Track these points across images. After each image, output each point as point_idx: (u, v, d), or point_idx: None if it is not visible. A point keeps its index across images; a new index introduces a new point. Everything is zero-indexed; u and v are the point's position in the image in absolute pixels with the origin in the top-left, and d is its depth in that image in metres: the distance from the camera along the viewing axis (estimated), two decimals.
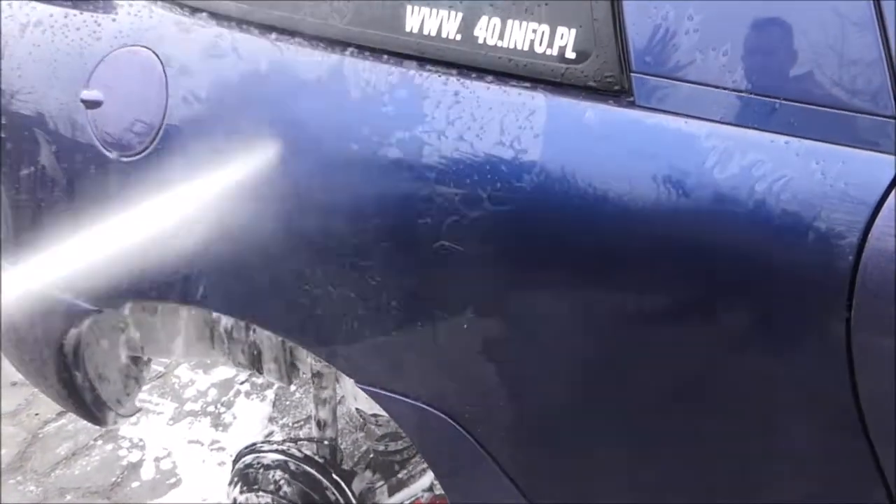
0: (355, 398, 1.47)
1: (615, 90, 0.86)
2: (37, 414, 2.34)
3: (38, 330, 1.30)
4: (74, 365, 1.34)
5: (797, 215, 0.78)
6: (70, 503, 2.03)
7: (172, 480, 2.14)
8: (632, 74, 0.85)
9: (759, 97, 0.80)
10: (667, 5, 0.83)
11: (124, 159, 1.10)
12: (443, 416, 1.03)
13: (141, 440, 2.28)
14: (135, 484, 2.12)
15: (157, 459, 2.21)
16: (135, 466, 2.18)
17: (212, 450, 2.27)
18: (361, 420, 2.03)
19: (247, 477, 1.49)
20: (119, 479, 2.13)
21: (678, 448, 0.93)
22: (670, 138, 0.83)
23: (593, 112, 0.86)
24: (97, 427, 1.61)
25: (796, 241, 0.78)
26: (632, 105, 0.85)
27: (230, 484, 1.54)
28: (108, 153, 1.11)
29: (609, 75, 0.87)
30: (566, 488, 1.02)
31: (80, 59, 1.14)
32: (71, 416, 1.84)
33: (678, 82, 0.83)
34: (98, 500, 2.05)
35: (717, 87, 0.81)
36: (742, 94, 0.81)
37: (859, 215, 0.76)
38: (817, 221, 0.77)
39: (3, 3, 1.23)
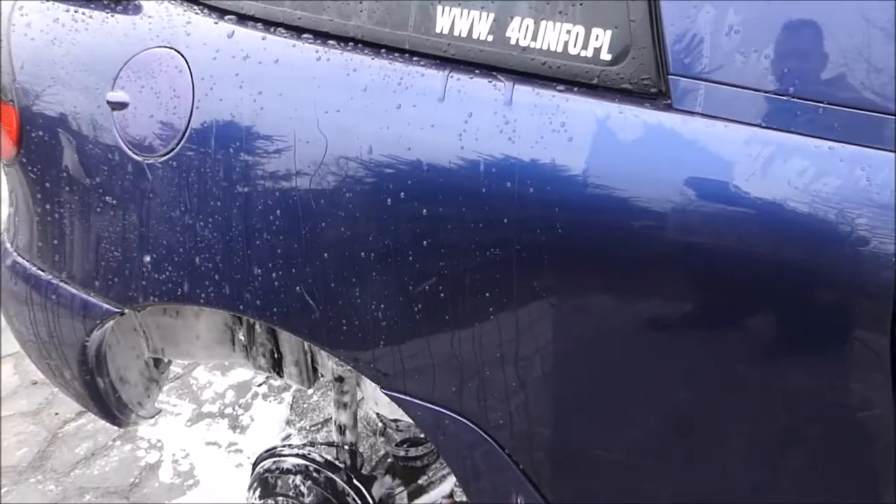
0: (376, 403, 1.46)
1: (652, 93, 0.84)
2: (57, 413, 2.35)
3: (61, 330, 1.30)
4: (96, 366, 1.34)
5: (841, 223, 0.75)
6: (89, 503, 2.03)
7: (190, 482, 2.13)
8: (669, 77, 0.83)
9: (801, 101, 0.78)
10: (706, 5, 0.81)
11: (149, 161, 1.09)
12: (466, 421, 1.02)
13: (159, 441, 2.28)
14: (153, 485, 2.11)
15: (174, 461, 2.21)
16: (153, 467, 2.18)
17: (229, 452, 2.26)
18: (381, 425, 2.01)
19: (266, 482, 1.48)
20: (137, 480, 2.13)
21: (711, 455, 0.91)
22: (709, 143, 0.81)
23: (629, 115, 0.84)
24: (116, 427, 1.61)
25: (840, 250, 0.76)
26: (669, 108, 0.83)
27: (249, 489, 1.53)
28: (132, 154, 1.10)
29: (646, 77, 0.85)
30: (589, 495, 1.01)
31: (107, 60, 1.13)
32: (90, 415, 1.84)
33: (717, 85, 0.81)
34: (116, 500, 2.05)
35: (758, 90, 0.79)
36: (784, 98, 0.78)
37: None
38: (862, 230, 0.75)
39: (28, 4, 1.22)
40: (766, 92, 0.79)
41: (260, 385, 2.57)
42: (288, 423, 2.40)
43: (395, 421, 1.90)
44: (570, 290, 0.90)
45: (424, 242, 0.93)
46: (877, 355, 0.77)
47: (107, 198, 1.13)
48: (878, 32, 0.76)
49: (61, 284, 1.25)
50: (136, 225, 1.11)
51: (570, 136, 0.86)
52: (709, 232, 0.80)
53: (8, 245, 1.37)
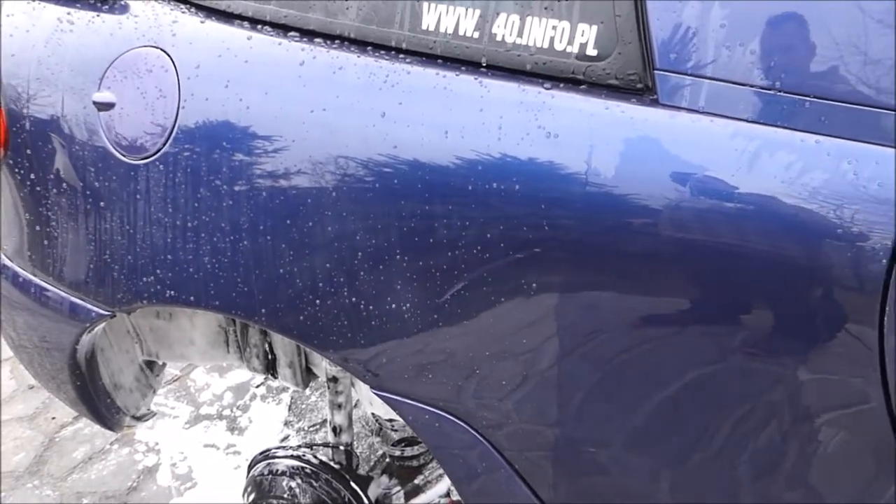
0: (371, 403, 1.46)
1: (638, 88, 0.84)
2: (53, 417, 2.35)
3: (51, 334, 1.30)
4: (88, 370, 1.33)
5: (828, 217, 0.75)
6: None
7: (188, 484, 2.13)
8: (655, 72, 0.83)
9: (787, 95, 0.77)
10: (692, 1, 0.81)
11: (135, 161, 1.08)
12: (458, 421, 1.02)
13: (157, 444, 2.28)
14: (151, 488, 2.11)
15: (172, 464, 2.21)
16: (150, 471, 2.17)
17: (227, 454, 2.26)
18: (377, 425, 2.01)
19: (260, 484, 1.47)
20: (135, 484, 2.12)
21: (701, 453, 0.90)
22: (695, 138, 0.80)
23: (615, 111, 0.84)
24: (111, 431, 1.60)
25: (827, 244, 0.75)
26: (655, 103, 0.83)
27: (244, 492, 1.52)
28: (120, 155, 1.10)
29: (632, 73, 0.84)
30: (583, 493, 1.00)
31: (93, 60, 1.13)
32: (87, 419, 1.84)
33: (704, 80, 0.80)
34: None
35: (744, 84, 0.79)
36: (770, 92, 0.78)
37: (893, 216, 0.73)
38: (849, 223, 0.74)
39: (14, 4, 1.22)
40: (751, 86, 0.78)
41: (258, 386, 2.56)
42: (286, 424, 2.40)
43: (391, 421, 1.89)
44: (558, 287, 0.89)
45: (411, 241, 0.93)
46: (868, 349, 0.76)
47: (94, 199, 1.13)
48: (865, 25, 0.75)
49: (51, 287, 1.25)
50: (125, 226, 1.11)
51: (556, 132, 0.85)
52: (694, 227, 0.80)
53: None
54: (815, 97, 0.76)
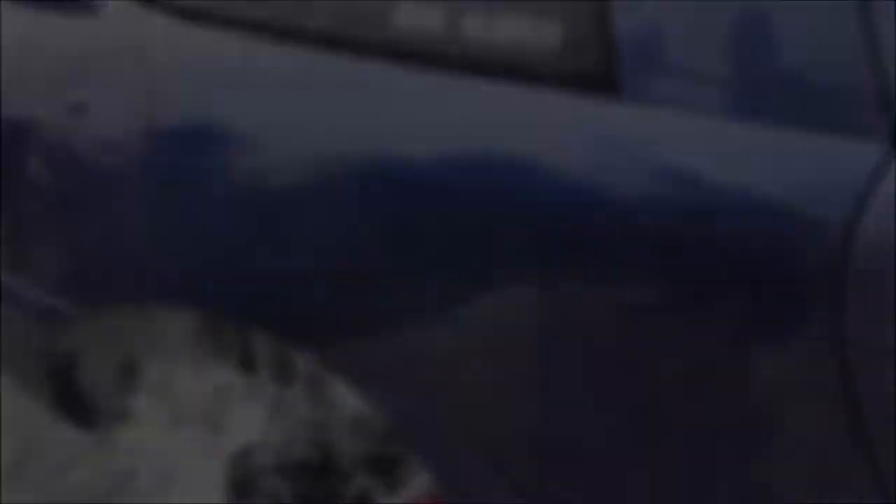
0: (350, 399, 1.47)
1: (604, 85, 0.86)
2: (31, 421, 2.33)
3: (27, 336, 1.30)
4: (66, 372, 1.33)
5: (785, 207, 0.77)
6: None
7: (168, 486, 2.13)
8: (621, 68, 0.84)
9: (752, 89, 0.80)
10: None
11: (109, 160, 1.09)
12: (437, 416, 1.03)
13: (137, 446, 2.27)
14: (131, 490, 2.10)
15: (153, 465, 2.20)
16: (131, 473, 2.16)
17: (208, 454, 2.25)
18: (357, 421, 2.02)
19: (240, 482, 1.48)
20: (115, 487, 2.11)
21: (673, 450, 0.92)
22: (657, 132, 0.83)
23: (581, 107, 0.86)
24: (91, 434, 1.60)
25: (784, 235, 0.77)
26: (621, 99, 0.84)
27: (224, 490, 1.53)
28: (94, 156, 1.10)
29: (597, 69, 0.86)
30: (564, 488, 1.02)
31: (67, 60, 1.13)
32: (66, 423, 1.83)
33: (669, 75, 0.83)
34: None
35: (709, 78, 0.81)
36: (736, 86, 0.80)
37: (847, 207, 0.75)
38: (805, 213, 0.77)
39: None
40: (717, 80, 0.81)
41: (240, 385, 2.56)
42: (268, 421, 2.40)
43: (370, 416, 1.90)
44: (527, 282, 0.91)
45: (380, 236, 0.95)
46: (824, 341, 0.78)
47: (69, 199, 1.14)
48: (835, 17, 0.77)
49: (25, 288, 1.25)
50: (98, 226, 1.12)
51: (524, 128, 0.87)
52: (654, 220, 0.82)
53: None
54: (772, 90, 0.79)
